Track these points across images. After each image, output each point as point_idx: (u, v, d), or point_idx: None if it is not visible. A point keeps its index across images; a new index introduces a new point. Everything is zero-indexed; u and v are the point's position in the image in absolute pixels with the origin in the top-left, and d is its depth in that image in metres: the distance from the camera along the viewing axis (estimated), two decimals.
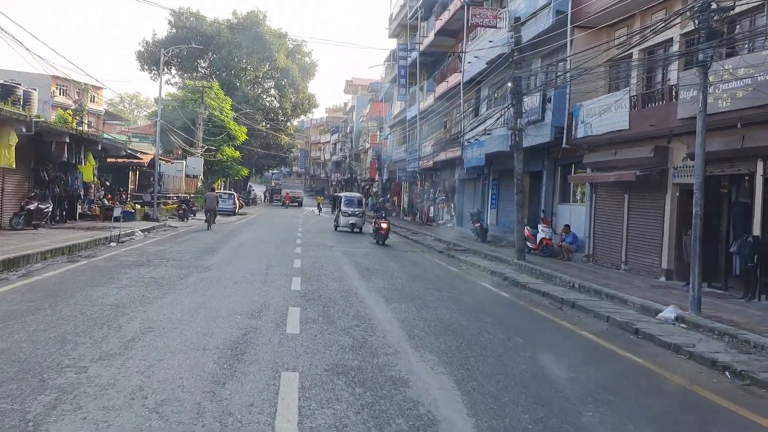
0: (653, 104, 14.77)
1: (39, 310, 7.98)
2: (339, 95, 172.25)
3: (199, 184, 43.42)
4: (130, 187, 33.00)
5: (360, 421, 4.70)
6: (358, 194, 33.04)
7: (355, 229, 27.35)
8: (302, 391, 5.35)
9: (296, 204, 61.43)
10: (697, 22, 9.97)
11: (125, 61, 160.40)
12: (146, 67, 54.94)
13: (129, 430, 4.29)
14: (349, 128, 79.15)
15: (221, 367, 5.88)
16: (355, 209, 27.74)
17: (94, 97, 53.96)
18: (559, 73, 17.40)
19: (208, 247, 17.68)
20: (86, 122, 36.46)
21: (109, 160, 28.15)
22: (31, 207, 18.03)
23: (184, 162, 37.80)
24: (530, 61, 19.65)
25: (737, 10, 10.77)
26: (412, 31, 39.05)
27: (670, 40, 14.63)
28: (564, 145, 18.09)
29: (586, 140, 17.02)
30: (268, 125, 57.95)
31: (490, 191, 27.11)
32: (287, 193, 62.87)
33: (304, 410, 4.88)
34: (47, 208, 18.86)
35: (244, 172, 51.23)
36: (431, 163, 33.14)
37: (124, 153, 27.86)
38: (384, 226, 21.60)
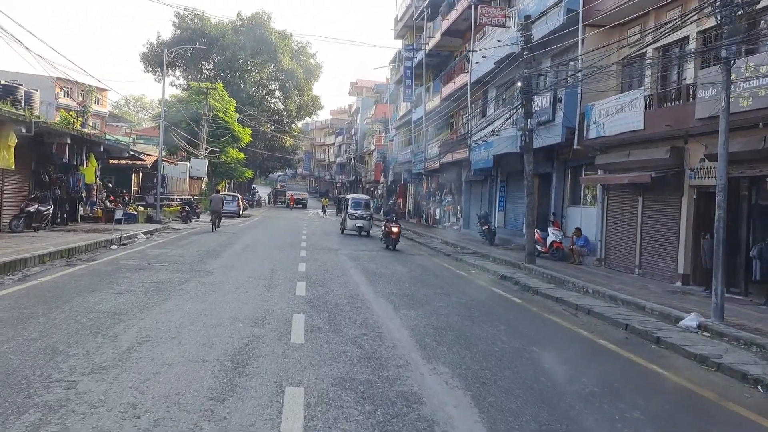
0: (669, 104, 14.33)
1: (31, 318, 7.61)
2: (343, 97, 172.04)
3: (203, 185, 43.10)
4: (133, 189, 32.68)
5: None
6: (365, 196, 32.25)
7: (363, 233, 26.60)
8: (308, 408, 4.96)
9: (301, 206, 61.02)
10: (719, 17, 9.53)
11: (126, 61, 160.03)
12: (150, 69, 54.79)
13: None
14: (353, 130, 78.77)
15: (221, 382, 5.48)
16: (363, 212, 26.95)
17: (98, 98, 53.75)
18: (570, 73, 16.96)
19: (211, 250, 17.31)
20: (90, 124, 36.23)
21: (111, 161, 27.82)
22: (31, 209, 17.70)
23: (188, 164, 37.46)
24: (539, 60, 19.23)
25: (762, 4, 10.31)
26: (418, 32, 38.69)
27: (686, 37, 14.21)
28: (575, 146, 17.65)
29: (599, 141, 16.58)
30: (273, 127, 57.64)
31: (497, 193, 26.69)
32: (292, 195, 62.43)
33: (309, 431, 4.48)
34: (47, 210, 18.52)
35: (249, 173, 50.89)
36: (437, 164, 32.72)
37: (127, 154, 27.52)
38: (395, 230, 20.92)
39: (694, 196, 14.19)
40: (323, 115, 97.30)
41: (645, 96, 14.64)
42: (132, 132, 56.94)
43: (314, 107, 64.22)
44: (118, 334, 6.99)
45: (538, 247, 18.76)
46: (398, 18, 44.82)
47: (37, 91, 20.39)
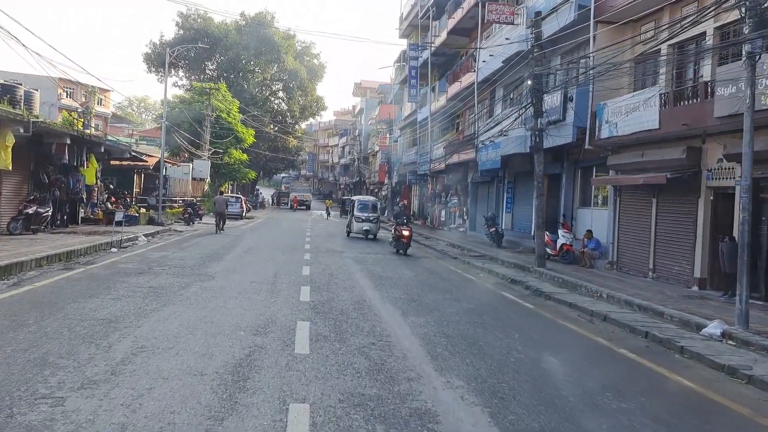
0: (686, 102, 13.88)
1: (23, 326, 7.22)
2: (347, 98, 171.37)
3: (206, 187, 42.75)
4: (135, 190, 32.31)
5: None
6: (372, 198, 31.08)
7: (369, 236, 25.58)
8: (314, 428, 4.57)
9: (304, 207, 60.67)
10: (743, 10, 9.09)
11: (127, 61, 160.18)
12: (153, 69, 54.47)
13: None
14: (357, 131, 78.35)
15: (220, 398, 5.08)
16: (370, 214, 25.78)
17: (101, 99, 53.48)
18: (581, 71, 16.52)
19: (213, 253, 16.93)
20: (93, 125, 35.87)
21: (113, 162, 27.49)
22: (30, 211, 17.34)
23: (191, 165, 37.09)
24: (549, 58, 18.80)
25: None
26: (423, 31, 38.24)
27: (703, 34, 13.76)
28: (587, 146, 17.20)
29: (611, 141, 16.13)
30: (276, 128, 57.27)
31: (505, 194, 26.23)
32: (295, 197, 62.10)
33: None
34: (47, 212, 18.15)
35: (252, 175, 50.52)
36: (443, 165, 32.24)
37: (128, 155, 27.20)
38: (406, 233, 20.01)
39: (712, 198, 13.74)
40: (327, 116, 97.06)
41: (660, 94, 14.18)
42: (135, 133, 56.67)
43: (318, 108, 63.82)
44: (112, 344, 6.60)
45: (548, 250, 18.30)
46: (403, 17, 44.37)
47: (37, 91, 20.05)
